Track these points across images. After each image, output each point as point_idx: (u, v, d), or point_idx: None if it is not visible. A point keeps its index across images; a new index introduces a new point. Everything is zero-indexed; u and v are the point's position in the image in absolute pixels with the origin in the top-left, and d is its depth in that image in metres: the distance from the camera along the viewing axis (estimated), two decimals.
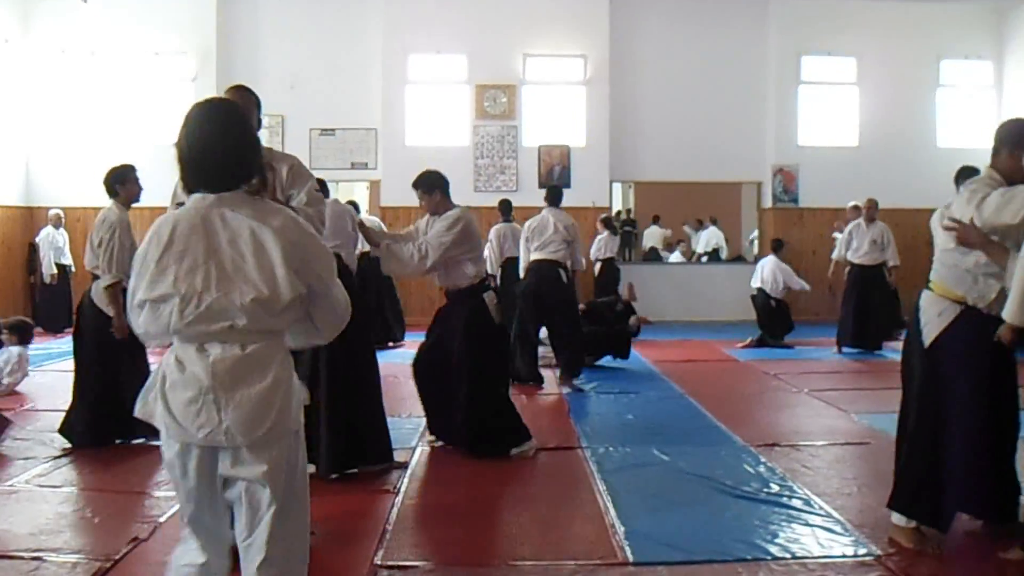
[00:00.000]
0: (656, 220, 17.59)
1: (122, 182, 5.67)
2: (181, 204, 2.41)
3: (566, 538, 4.02)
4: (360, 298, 5.32)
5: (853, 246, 10.03)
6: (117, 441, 5.63)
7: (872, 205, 9.95)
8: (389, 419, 5.15)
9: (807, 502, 4.42)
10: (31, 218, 12.86)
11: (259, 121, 3.85)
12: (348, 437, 4.76)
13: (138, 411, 2.35)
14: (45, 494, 4.66)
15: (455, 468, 5.23)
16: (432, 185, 5.42)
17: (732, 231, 16.64)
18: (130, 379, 5.15)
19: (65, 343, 8.53)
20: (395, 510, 4.35)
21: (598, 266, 12.20)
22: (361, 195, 13.70)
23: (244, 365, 2.25)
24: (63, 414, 5.76)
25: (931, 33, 13.48)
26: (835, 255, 10.41)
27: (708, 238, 16.92)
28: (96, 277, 5.58)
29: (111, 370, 5.57)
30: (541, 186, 12.24)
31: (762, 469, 5.05)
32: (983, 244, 3.48)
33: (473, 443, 5.35)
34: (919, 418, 3.70)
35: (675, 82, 13.36)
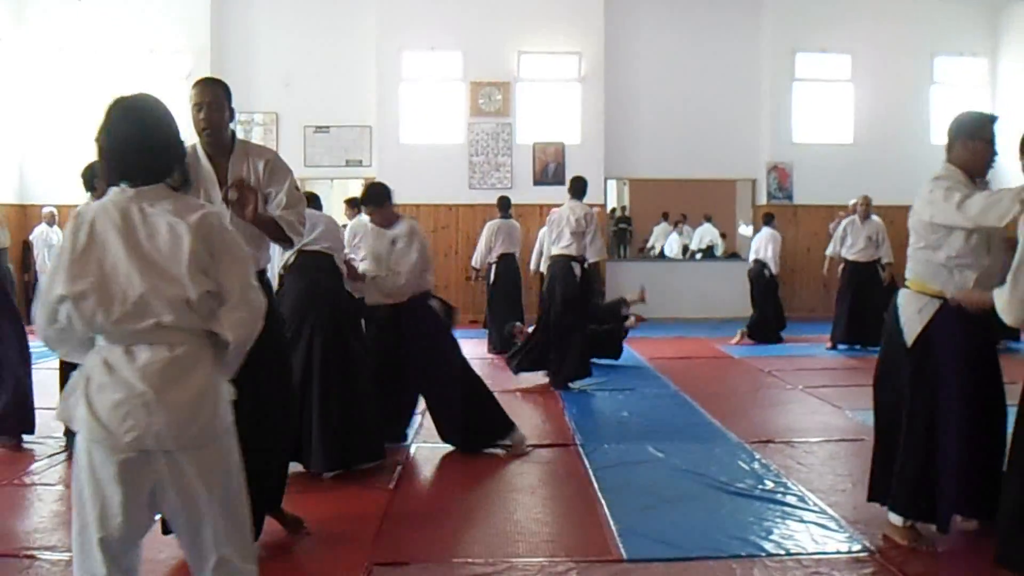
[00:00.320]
0: (666, 217, 17.62)
1: (100, 176, 5.64)
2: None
3: (560, 535, 4.03)
4: (353, 299, 5.33)
5: (848, 243, 10.00)
6: None
7: (867, 202, 9.96)
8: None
9: (801, 498, 4.43)
10: (25, 216, 12.82)
11: (232, 112, 3.61)
12: (341, 435, 4.74)
13: (58, 414, 2.32)
14: (40, 492, 4.66)
15: (449, 466, 5.24)
16: (381, 198, 5.38)
17: (727, 228, 16.64)
18: None
19: None
20: (389, 508, 4.34)
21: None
22: (356, 192, 13.62)
23: (173, 367, 2.22)
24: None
25: (925, 30, 13.51)
26: (829, 251, 10.39)
27: (702, 235, 16.95)
28: None
29: None
30: (536, 183, 12.24)
31: (756, 466, 5.06)
32: (984, 300, 3.40)
33: (464, 442, 5.42)
34: (911, 418, 3.69)
35: (669, 79, 13.37)
